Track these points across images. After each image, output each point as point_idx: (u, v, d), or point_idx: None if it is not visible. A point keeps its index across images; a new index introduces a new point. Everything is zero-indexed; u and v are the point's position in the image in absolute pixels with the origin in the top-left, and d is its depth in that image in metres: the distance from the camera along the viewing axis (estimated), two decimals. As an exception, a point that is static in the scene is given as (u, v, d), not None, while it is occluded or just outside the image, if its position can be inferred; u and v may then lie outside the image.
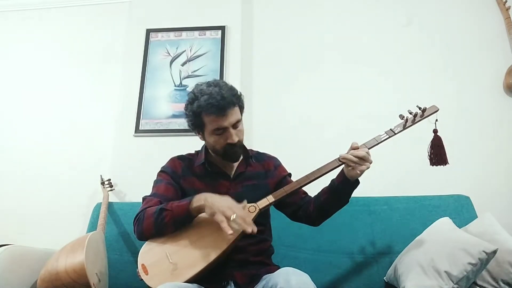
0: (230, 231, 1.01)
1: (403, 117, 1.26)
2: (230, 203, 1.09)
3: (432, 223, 1.51)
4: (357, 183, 1.23)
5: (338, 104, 2.18)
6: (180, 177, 1.32)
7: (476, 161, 1.97)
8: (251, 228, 1.03)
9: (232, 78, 2.20)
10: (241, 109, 1.32)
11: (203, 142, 1.40)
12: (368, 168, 1.17)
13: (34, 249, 1.58)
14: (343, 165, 1.21)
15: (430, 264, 1.25)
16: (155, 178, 1.35)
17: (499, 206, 1.85)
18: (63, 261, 1.27)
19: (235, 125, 1.25)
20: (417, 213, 1.72)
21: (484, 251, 1.17)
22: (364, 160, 1.15)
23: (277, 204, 1.38)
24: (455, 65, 2.17)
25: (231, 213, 1.04)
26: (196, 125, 1.29)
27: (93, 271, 1.31)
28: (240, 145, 1.29)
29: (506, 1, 2.20)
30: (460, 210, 1.69)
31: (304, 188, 1.36)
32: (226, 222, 1.02)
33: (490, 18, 2.23)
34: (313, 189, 1.34)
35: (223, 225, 1.02)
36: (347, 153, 1.19)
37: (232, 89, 1.28)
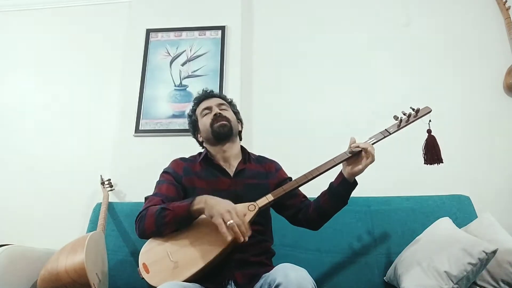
0: (229, 237, 1.02)
1: (397, 118, 1.28)
2: (229, 206, 1.08)
3: (432, 223, 1.51)
4: (355, 184, 1.25)
5: (338, 104, 2.18)
6: (181, 177, 1.34)
7: (476, 161, 1.97)
8: (243, 238, 1.04)
9: (232, 78, 2.20)
10: (232, 109, 1.51)
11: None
12: (372, 162, 1.18)
13: (34, 249, 1.58)
14: (341, 164, 1.23)
15: (430, 264, 1.25)
16: (158, 179, 1.37)
17: (499, 206, 1.85)
18: (63, 261, 1.27)
19: (220, 106, 1.44)
20: (417, 213, 1.71)
21: (484, 251, 1.16)
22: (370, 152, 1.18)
23: (277, 208, 1.40)
24: (455, 65, 2.17)
25: (229, 218, 1.04)
26: (194, 124, 1.49)
27: (93, 271, 1.31)
28: (227, 120, 1.39)
29: (506, 1, 2.20)
30: (460, 210, 1.69)
31: (304, 192, 1.38)
32: (224, 225, 1.03)
33: (490, 18, 2.23)
34: (314, 193, 1.34)
35: (221, 229, 1.03)
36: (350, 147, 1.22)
37: (223, 95, 1.58)
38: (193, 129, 1.50)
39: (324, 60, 2.28)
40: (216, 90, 2.00)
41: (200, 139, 1.48)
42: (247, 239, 1.05)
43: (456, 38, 2.22)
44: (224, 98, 1.52)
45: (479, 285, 1.27)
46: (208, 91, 1.51)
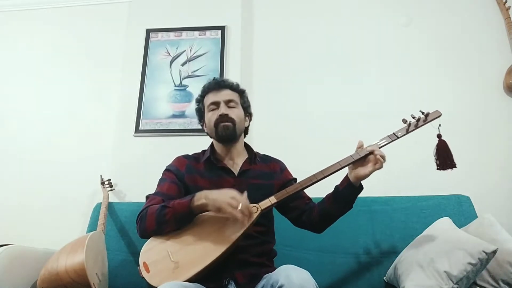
0: (246, 220, 1.08)
1: (406, 121, 1.26)
2: (229, 193, 1.10)
3: (432, 223, 1.51)
4: (361, 188, 1.24)
5: (338, 104, 2.18)
6: (183, 175, 1.33)
7: (476, 161, 1.97)
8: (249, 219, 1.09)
9: (232, 78, 2.15)
10: (242, 102, 1.43)
11: (204, 142, 1.41)
12: (380, 168, 1.18)
13: (34, 249, 1.58)
14: (346, 167, 1.22)
15: (430, 264, 1.24)
16: (160, 177, 1.36)
17: (499, 206, 1.84)
18: (63, 261, 1.27)
19: (228, 103, 1.37)
20: (417, 213, 1.71)
21: (484, 251, 1.16)
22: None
23: (281, 209, 1.39)
24: (455, 65, 2.17)
25: (236, 204, 1.07)
26: (200, 111, 1.44)
27: (93, 271, 1.31)
28: (232, 121, 1.34)
29: (506, 1, 2.20)
30: (460, 210, 1.69)
31: (308, 193, 1.37)
32: (237, 213, 1.06)
33: (490, 18, 2.22)
34: (318, 193, 1.34)
35: (236, 217, 1.06)
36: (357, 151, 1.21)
37: (235, 83, 1.45)
38: (199, 116, 1.47)
39: (324, 60, 2.28)
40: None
41: (206, 130, 1.45)
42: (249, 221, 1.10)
43: (456, 38, 2.22)
44: (236, 89, 1.43)
45: (479, 285, 1.27)
46: (219, 80, 1.42)
